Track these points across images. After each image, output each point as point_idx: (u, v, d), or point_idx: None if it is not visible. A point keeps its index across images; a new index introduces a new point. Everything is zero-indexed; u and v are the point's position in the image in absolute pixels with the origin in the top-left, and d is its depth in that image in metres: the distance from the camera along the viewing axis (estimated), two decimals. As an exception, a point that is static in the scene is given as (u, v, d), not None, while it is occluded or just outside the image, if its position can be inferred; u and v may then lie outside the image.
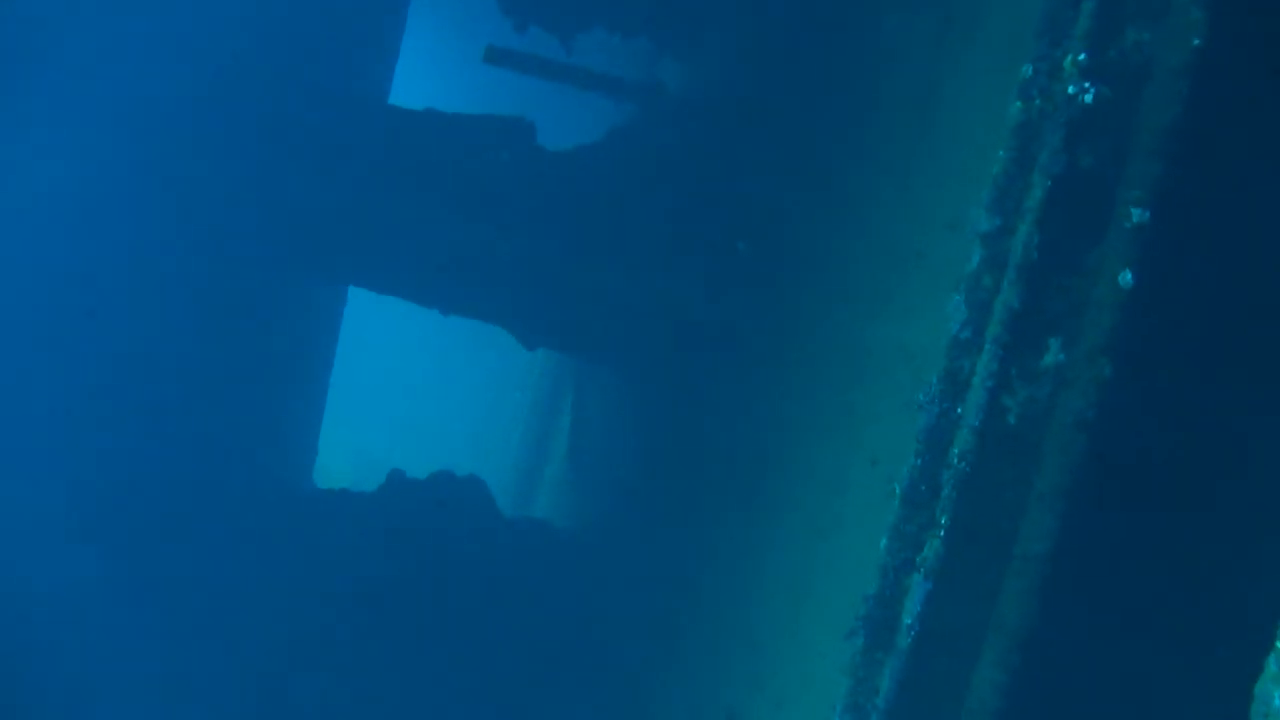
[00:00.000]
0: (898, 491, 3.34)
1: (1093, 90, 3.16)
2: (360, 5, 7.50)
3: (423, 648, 7.27)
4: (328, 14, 7.15)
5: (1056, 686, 3.33)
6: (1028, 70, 3.28)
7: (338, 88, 7.06)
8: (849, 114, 4.80)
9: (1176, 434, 3.30)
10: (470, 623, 7.16)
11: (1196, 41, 3.07)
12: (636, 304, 5.63)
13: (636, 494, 6.77)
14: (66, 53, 6.31)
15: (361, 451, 16.04)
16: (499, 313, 6.79)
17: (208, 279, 7.15)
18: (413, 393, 19.63)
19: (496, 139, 6.70)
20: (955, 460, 3.25)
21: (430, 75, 13.18)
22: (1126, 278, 3.22)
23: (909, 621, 3.26)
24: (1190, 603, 3.35)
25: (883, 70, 4.61)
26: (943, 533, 3.24)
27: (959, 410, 3.29)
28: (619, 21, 6.68)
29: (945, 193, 4.01)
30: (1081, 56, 3.17)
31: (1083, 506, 3.29)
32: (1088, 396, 3.24)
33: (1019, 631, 3.27)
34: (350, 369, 13.11)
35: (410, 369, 19.97)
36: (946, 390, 3.30)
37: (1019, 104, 3.27)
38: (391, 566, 7.26)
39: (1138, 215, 3.13)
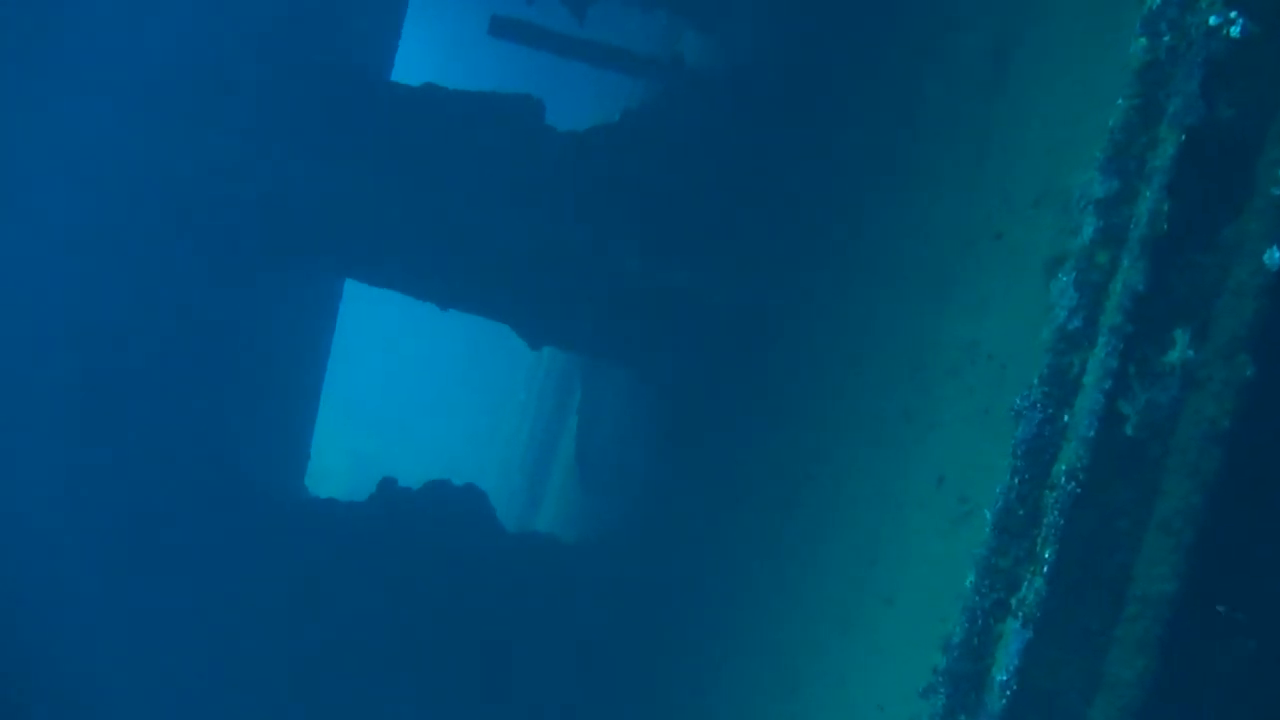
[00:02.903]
0: (988, 517, 2.72)
1: (1239, 22, 2.55)
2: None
3: (414, 669, 6.77)
4: None
5: (1182, 759, 2.72)
6: (1155, -2, 2.67)
7: (329, 60, 6.49)
8: (904, 73, 4.19)
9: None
10: (464, 646, 6.63)
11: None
12: (657, 295, 5.01)
13: (653, 509, 6.15)
14: (58, 34, 5.97)
15: (357, 453, 15.54)
16: (502, 307, 6.19)
17: (191, 270, 6.69)
18: (408, 394, 19.15)
19: (501, 117, 6.11)
20: (1062, 479, 2.64)
21: (436, 50, 12.59)
22: (1274, 256, 2.61)
23: (1003, 678, 2.64)
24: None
25: (945, 19, 4.00)
26: (1046, 569, 2.63)
27: (1065, 417, 2.67)
28: (638, -11, 6.09)
29: (1029, 161, 3.40)
30: (1225, -20, 2.56)
31: (1214, 538, 2.69)
32: (1222, 402, 2.64)
33: (1136, 691, 2.66)
34: (345, 367, 12.58)
35: (406, 369, 19.49)
36: (1051, 393, 2.68)
37: (1143, 40, 2.65)
38: (382, 580, 6.75)
39: (1294, 178, 2.53)
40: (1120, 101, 2.67)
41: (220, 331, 7.08)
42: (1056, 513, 2.63)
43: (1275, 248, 2.63)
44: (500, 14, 6.47)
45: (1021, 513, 2.68)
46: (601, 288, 5.24)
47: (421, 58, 11.69)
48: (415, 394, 19.41)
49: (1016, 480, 2.69)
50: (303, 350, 8.46)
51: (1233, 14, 2.54)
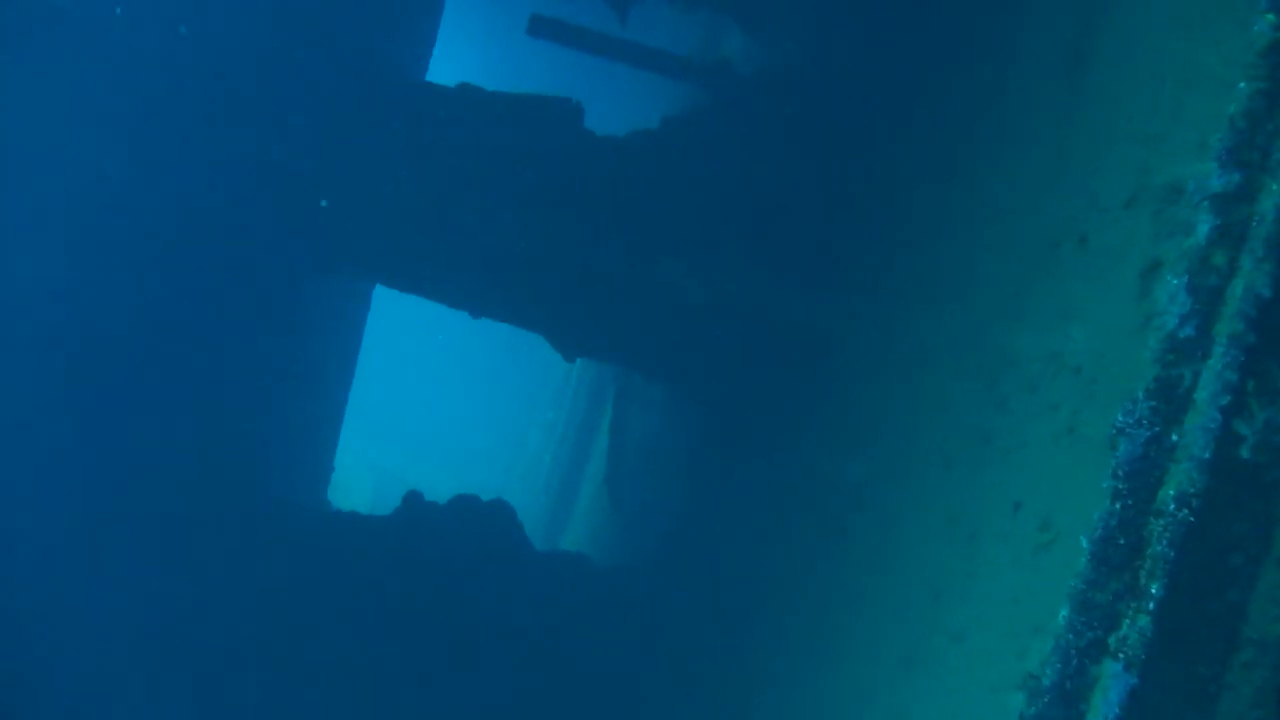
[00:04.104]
0: (1084, 546, 2.44)
1: (1382, -4, 2.28)
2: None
3: (437, 685, 6.52)
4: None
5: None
6: (1283, -29, 2.39)
7: (364, 61, 6.29)
8: (972, 66, 3.92)
9: None
10: (488, 664, 6.37)
11: None
12: (702, 306, 4.74)
13: (691, 532, 5.86)
14: (86, 35, 5.87)
15: (381, 468, 15.34)
16: (536, 316, 5.93)
17: (215, 279, 6.52)
18: (434, 411, 18.96)
19: (540, 120, 5.88)
20: (1170, 505, 2.35)
21: (473, 50, 12.39)
22: None
23: (1102, 727, 2.35)
24: None
25: (1023, 8, 3.73)
26: (1152, 605, 2.34)
27: (1175, 437, 2.39)
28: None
29: (1118, 157, 3.13)
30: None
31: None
32: (1352, 423, 2.35)
33: (1251, 745, 2.37)
34: (371, 379, 12.38)
35: (432, 386, 19.31)
36: (1158, 410, 2.39)
37: (1271, 18, 2.38)
38: (406, 595, 6.51)
39: None
40: (1242, 85, 2.40)
41: (244, 340, 6.89)
42: (1164, 543, 2.35)
43: None
44: (540, 14, 6.26)
45: (1123, 542, 2.39)
46: (642, 298, 4.97)
47: (459, 58, 11.51)
48: (441, 410, 19.22)
49: (1118, 506, 2.40)
50: (329, 360, 8.24)
51: (1375, -14, 2.27)
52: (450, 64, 9.95)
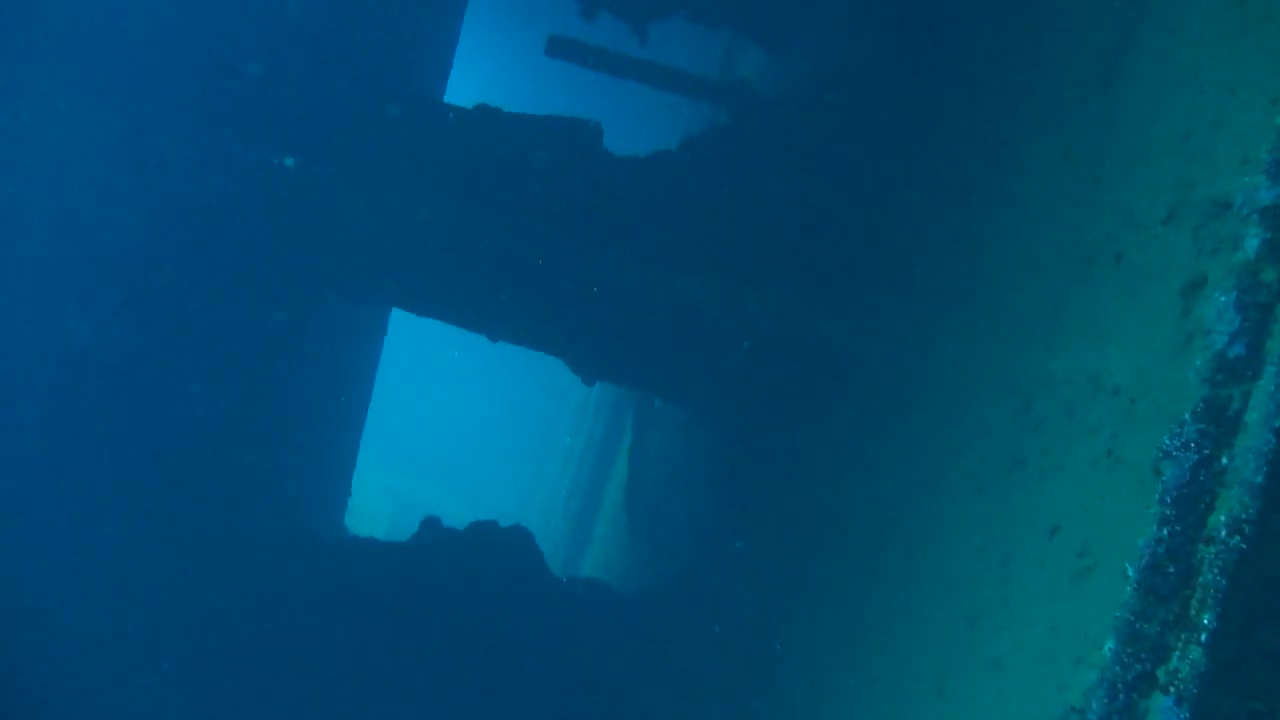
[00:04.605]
0: (1130, 575, 2.34)
1: None
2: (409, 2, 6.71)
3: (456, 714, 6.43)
4: (371, 11, 6.44)
5: None
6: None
7: (379, 81, 6.24)
8: (1007, 82, 3.84)
9: None
10: (507, 693, 6.27)
11: None
12: (726, 328, 4.65)
13: (713, 559, 5.76)
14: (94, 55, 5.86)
15: (398, 493, 15.27)
16: (555, 340, 5.85)
17: (229, 300, 6.48)
18: (451, 436, 18.90)
19: (558, 141, 5.81)
20: (1222, 532, 2.25)
21: (488, 71, 12.38)
22: None
23: (1153, 765, 2.25)
24: None
25: (1052, 21, 3.64)
26: (1204, 637, 2.24)
27: (1225, 460, 2.29)
28: (703, 7, 5.76)
29: (1156, 171, 3.04)
30: None
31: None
32: None
33: (1309, 783, 2.26)
34: (390, 403, 12.33)
35: (449, 411, 19.26)
36: (1207, 432, 2.30)
37: (1320, 25, 2.30)
38: (424, 623, 6.42)
39: None
40: (1291, 95, 2.31)
41: (260, 363, 6.84)
42: (1215, 571, 2.25)
43: None
44: (558, 34, 6.20)
45: (1171, 570, 2.29)
46: (666, 320, 4.89)
47: (476, 79, 11.49)
48: (459, 435, 19.16)
49: (1165, 532, 2.30)
50: (345, 385, 8.17)
51: None
52: (468, 84, 9.92)
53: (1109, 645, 2.34)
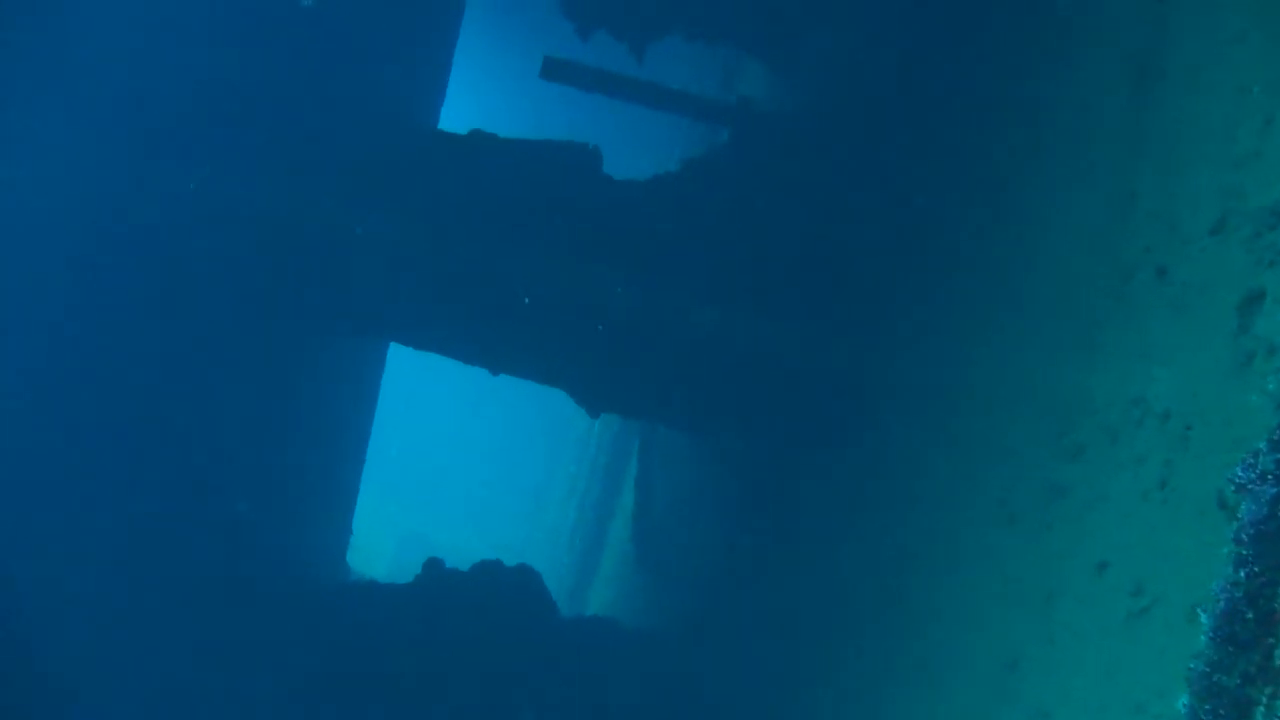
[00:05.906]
0: (1205, 622, 2.12)
1: None
2: (404, 27, 6.55)
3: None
4: (366, 35, 6.29)
5: None
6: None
7: (372, 109, 6.07)
8: (1033, 90, 3.63)
9: None
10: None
11: None
12: (738, 354, 4.43)
13: (727, 595, 5.52)
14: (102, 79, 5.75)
15: (402, 527, 15.06)
16: (558, 371, 5.64)
17: (226, 336, 6.33)
18: (453, 471, 18.71)
19: (557, 167, 5.63)
20: (1305, 573, 2.03)
21: (484, 95, 12.22)
22: None
23: (1236, 834, 2.02)
24: None
25: (1082, 27, 3.44)
26: (1289, 689, 2.01)
27: (1303, 493, 2.07)
28: (702, 24, 5.57)
29: (1201, 180, 2.83)
30: None
31: None
32: None
33: None
34: (391, 438, 12.14)
35: (451, 446, 19.07)
36: (1285, 461, 2.08)
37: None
38: (426, 668, 6.20)
39: None
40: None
41: (257, 400, 6.66)
42: (1299, 616, 2.02)
43: None
44: (553, 55, 6.00)
45: (1251, 616, 2.07)
46: (675, 348, 4.67)
47: (471, 103, 11.34)
48: (462, 469, 18.96)
49: (1243, 574, 2.08)
50: (344, 423, 7.97)
51: None
52: (463, 110, 9.76)
53: (1183, 700, 2.12)
